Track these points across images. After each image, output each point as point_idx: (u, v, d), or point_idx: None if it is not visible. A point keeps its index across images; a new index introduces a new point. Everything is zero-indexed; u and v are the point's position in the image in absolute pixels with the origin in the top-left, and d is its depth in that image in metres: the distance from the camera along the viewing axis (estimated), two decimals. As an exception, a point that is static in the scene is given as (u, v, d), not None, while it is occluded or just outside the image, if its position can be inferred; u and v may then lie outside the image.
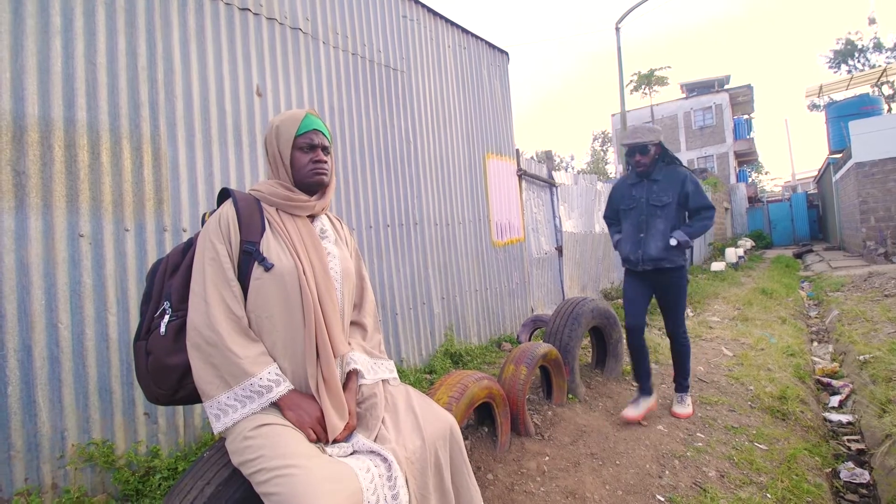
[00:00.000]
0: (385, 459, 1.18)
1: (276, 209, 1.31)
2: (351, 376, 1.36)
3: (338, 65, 3.40)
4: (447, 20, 4.54)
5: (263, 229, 1.26)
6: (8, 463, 1.87)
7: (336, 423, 1.21)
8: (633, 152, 2.88)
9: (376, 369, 1.42)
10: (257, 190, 1.33)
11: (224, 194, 1.36)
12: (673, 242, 2.77)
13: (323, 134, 1.37)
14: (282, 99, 2.98)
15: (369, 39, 3.69)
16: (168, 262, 1.33)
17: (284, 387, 1.18)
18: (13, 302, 1.92)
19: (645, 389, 2.97)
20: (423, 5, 4.27)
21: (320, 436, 1.19)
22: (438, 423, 1.32)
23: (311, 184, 1.34)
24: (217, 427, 1.16)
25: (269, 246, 1.24)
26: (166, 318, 1.25)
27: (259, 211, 1.29)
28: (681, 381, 3.02)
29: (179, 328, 1.24)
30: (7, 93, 1.95)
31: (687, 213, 2.92)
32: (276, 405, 1.20)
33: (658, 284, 2.91)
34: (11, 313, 1.91)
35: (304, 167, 1.32)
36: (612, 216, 3.23)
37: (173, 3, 2.48)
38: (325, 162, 1.36)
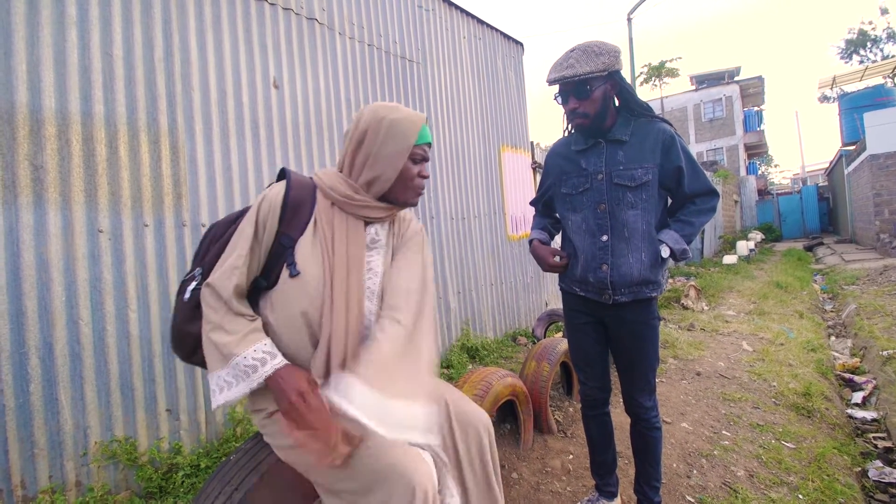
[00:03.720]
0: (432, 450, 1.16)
1: (333, 205, 1.19)
2: None
3: (354, 56, 3.33)
4: (462, 10, 4.45)
5: (306, 226, 1.16)
6: (32, 461, 1.86)
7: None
8: (565, 95, 1.61)
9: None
10: (320, 178, 1.21)
11: (281, 175, 1.24)
12: (665, 253, 1.62)
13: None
14: (298, 91, 2.92)
15: (385, 30, 3.61)
16: (216, 230, 1.27)
17: (271, 366, 1.07)
18: (33, 299, 1.89)
19: (606, 490, 1.95)
20: (438, -6, 4.19)
21: (299, 425, 1.05)
22: (474, 419, 1.29)
23: (409, 203, 1.23)
24: (216, 401, 1.09)
25: (305, 248, 1.15)
26: (193, 284, 1.21)
27: (311, 203, 1.17)
28: (646, 491, 1.82)
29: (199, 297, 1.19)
30: (23, 85, 1.91)
31: (671, 200, 1.74)
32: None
33: (618, 324, 1.70)
34: (32, 310, 1.89)
35: (412, 180, 1.20)
36: (545, 205, 1.94)
37: (189, -7, 2.43)
38: (428, 177, 1.26)
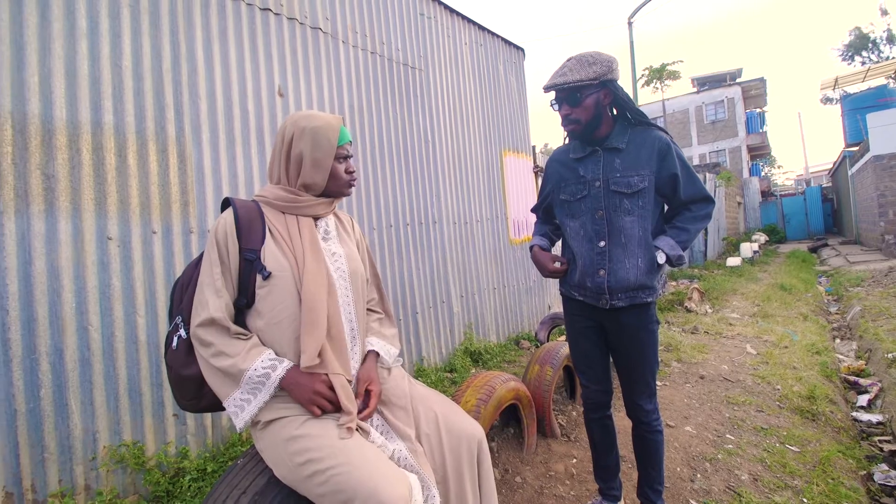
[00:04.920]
0: (423, 480, 1.17)
1: (282, 212, 1.30)
2: (370, 357, 1.36)
3: (357, 64, 3.38)
4: (464, 17, 4.50)
5: (264, 236, 1.25)
6: (42, 465, 1.88)
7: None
8: (559, 102, 1.68)
9: (391, 354, 1.43)
10: (261, 196, 1.32)
11: (225, 203, 1.34)
12: (661, 259, 1.65)
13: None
14: (303, 99, 2.96)
15: (388, 38, 3.66)
16: (184, 278, 1.35)
17: (282, 368, 1.17)
18: (45, 305, 1.93)
19: (609, 493, 1.96)
20: (440, 2, 4.24)
21: (325, 407, 1.17)
22: (466, 432, 1.31)
23: (344, 194, 1.38)
24: (239, 423, 1.15)
25: (270, 253, 1.23)
26: (179, 332, 1.27)
27: (260, 217, 1.27)
28: (649, 495, 1.84)
29: (190, 341, 1.24)
30: (35, 96, 1.95)
31: (667, 206, 1.77)
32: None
33: (616, 329, 1.73)
34: (43, 316, 1.92)
35: (341, 177, 1.34)
36: (545, 211, 1.99)
37: (196, 4, 2.47)
38: (355, 171, 1.39)
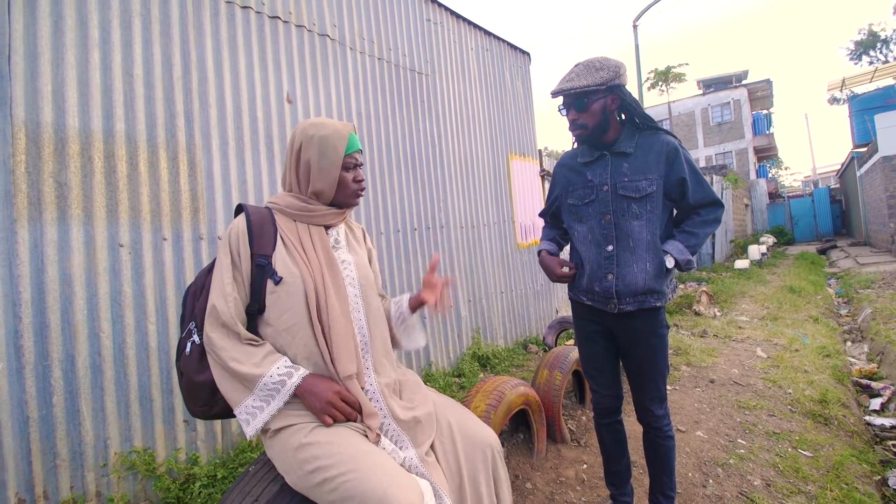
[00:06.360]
0: (435, 488, 1.17)
1: (294, 220, 1.31)
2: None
3: (364, 70, 3.40)
4: (470, 22, 4.52)
5: (276, 243, 1.26)
6: (54, 471, 1.89)
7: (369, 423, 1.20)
8: (567, 107, 1.68)
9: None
10: (274, 203, 1.33)
11: (238, 209, 1.35)
12: (669, 263, 1.63)
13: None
14: (311, 105, 2.98)
15: (395, 44, 3.68)
16: (196, 285, 1.35)
17: (298, 376, 1.16)
18: (56, 312, 1.94)
19: (621, 499, 1.96)
20: (447, 8, 4.26)
21: (337, 418, 1.16)
22: (480, 438, 1.31)
23: (351, 204, 1.37)
24: (250, 431, 1.15)
25: (282, 259, 1.24)
26: (193, 337, 1.27)
27: (272, 224, 1.28)
28: (660, 501, 1.83)
29: (203, 347, 1.24)
30: (48, 105, 1.97)
31: (675, 211, 1.76)
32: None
33: (626, 333, 1.73)
34: (55, 323, 1.94)
35: (348, 186, 1.33)
36: (553, 216, 2.00)
37: (206, 13, 2.50)
38: (364, 180, 1.39)
